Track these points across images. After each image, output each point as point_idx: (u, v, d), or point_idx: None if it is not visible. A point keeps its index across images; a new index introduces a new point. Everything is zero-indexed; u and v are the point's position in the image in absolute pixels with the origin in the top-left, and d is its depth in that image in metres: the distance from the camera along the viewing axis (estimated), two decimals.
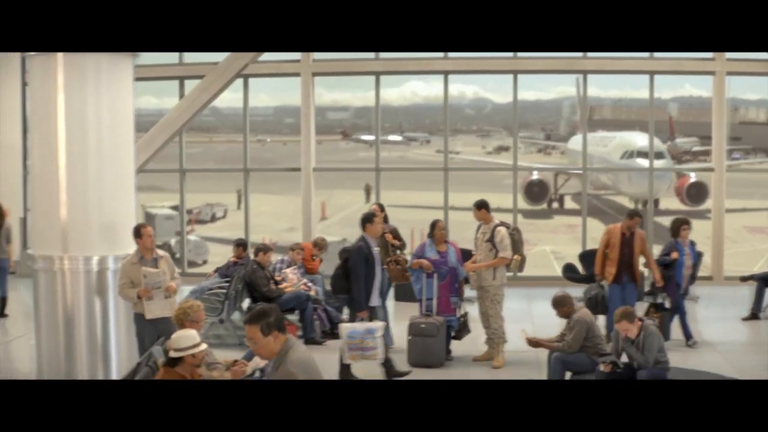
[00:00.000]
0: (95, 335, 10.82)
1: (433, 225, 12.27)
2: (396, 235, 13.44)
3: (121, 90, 10.85)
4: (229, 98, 18.99)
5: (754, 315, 14.79)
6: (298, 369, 5.72)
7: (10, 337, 14.27)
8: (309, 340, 13.07)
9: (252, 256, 14.12)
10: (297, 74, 18.26)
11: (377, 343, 10.73)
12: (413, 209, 30.69)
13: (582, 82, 19.02)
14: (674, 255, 12.92)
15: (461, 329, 12.29)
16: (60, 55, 10.39)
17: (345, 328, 10.92)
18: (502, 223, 12.30)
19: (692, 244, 13.35)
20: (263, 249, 13.85)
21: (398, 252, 13.10)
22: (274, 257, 14.45)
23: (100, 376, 10.37)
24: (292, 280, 13.98)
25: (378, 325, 10.87)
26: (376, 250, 11.21)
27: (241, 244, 15.00)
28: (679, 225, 13.20)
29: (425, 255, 12.10)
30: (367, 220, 11.27)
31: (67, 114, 10.61)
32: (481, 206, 12.36)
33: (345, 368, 11.04)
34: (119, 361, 10.84)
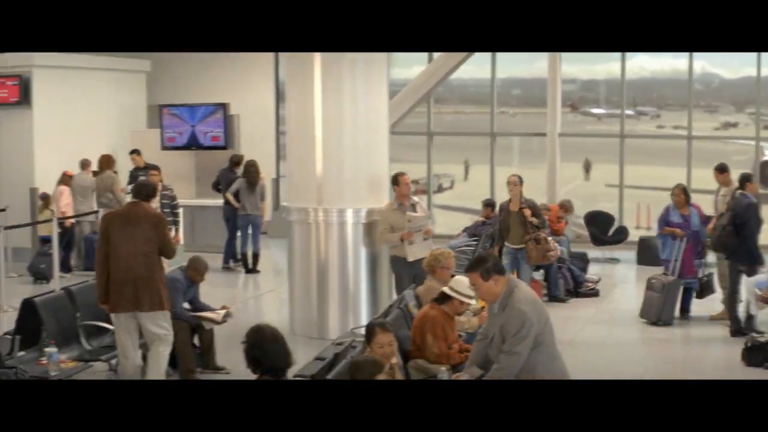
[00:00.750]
0: (347, 283, 11.54)
1: (673, 190, 12.44)
2: (534, 211, 12.74)
3: (375, 57, 11.46)
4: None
5: None
6: (525, 305, 6.30)
7: (261, 291, 15.21)
8: (553, 298, 13.51)
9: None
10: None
11: None
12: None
13: None
14: None
15: (704, 289, 12.44)
16: None
17: (750, 281, 11.38)
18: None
19: None
20: None
21: (537, 230, 12.63)
22: None
23: (350, 325, 10.93)
24: None
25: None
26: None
27: (489, 204, 15.49)
28: None
29: (669, 219, 12.31)
30: (746, 179, 11.79)
31: (324, 80, 11.30)
32: (723, 170, 12.66)
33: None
34: (368, 308, 11.53)
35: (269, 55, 19.00)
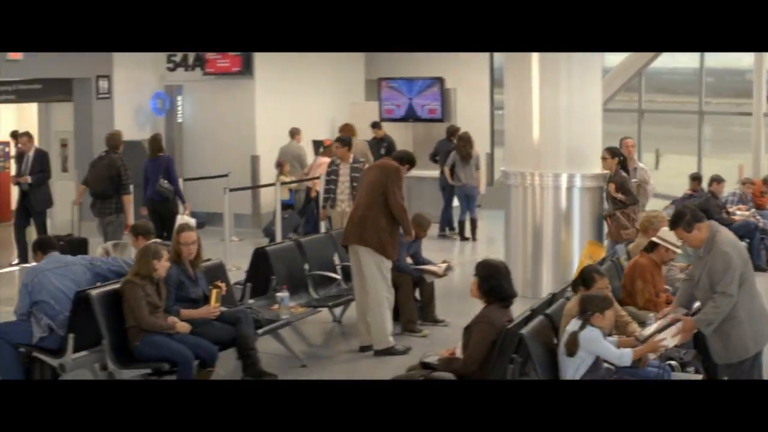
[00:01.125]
0: (559, 245, 11.87)
1: None
2: (622, 187, 11.85)
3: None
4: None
5: None
6: (727, 247, 6.73)
7: (477, 256, 15.55)
8: (757, 268, 13.41)
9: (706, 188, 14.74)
10: None
11: None
12: None
13: None
14: None
15: None
16: None
17: None
18: None
19: None
20: (717, 179, 14.37)
21: (623, 207, 11.90)
22: (726, 190, 15.07)
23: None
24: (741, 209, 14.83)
25: None
26: None
27: (696, 178, 15.67)
28: None
29: None
30: None
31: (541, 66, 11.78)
32: None
33: None
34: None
35: None
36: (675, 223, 6.89)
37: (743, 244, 7.18)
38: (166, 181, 13.74)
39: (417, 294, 10.78)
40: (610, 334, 6.94)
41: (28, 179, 14.10)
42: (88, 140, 17.53)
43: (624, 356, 6.65)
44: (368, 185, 9.88)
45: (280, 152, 16.86)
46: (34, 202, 14.01)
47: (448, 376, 6.71)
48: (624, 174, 11.97)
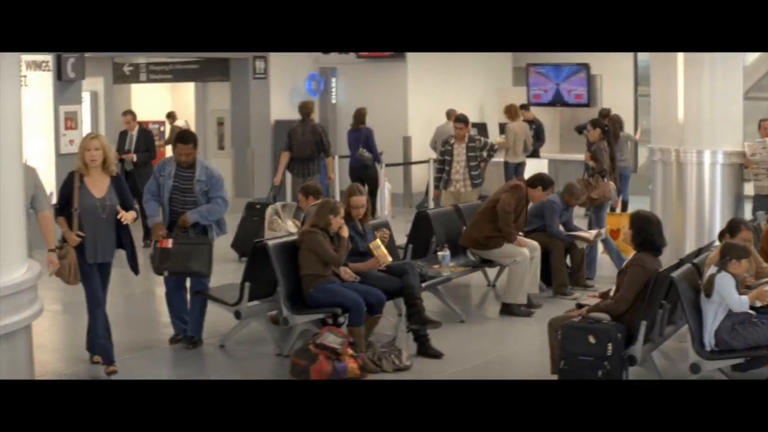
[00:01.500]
0: (702, 220, 12.40)
1: None
2: (594, 155, 12.94)
3: None
4: None
5: None
6: None
7: None
8: None
9: None
10: None
11: None
12: None
13: None
14: None
15: None
16: None
17: None
18: None
19: None
20: None
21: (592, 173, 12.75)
22: None
23: None
24: None
25: None
26: None
27: None
28: None
29: None
30: None
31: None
32: None
33: None
34: None
35: None
36: None
37: None
38: (365, 150, 15.10)
39: (567, 260, 11.47)
40: (747, 287, 7.60)
41: (133, 157, 14.69)
42: (245, 120, 18.55)
43: (743, 303, 7.29)
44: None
45: (435, 132, 17.60)
46: (138, 181, 13.66)
47: (603, 315, 7.43)
48: (604, 145, 12.93)
